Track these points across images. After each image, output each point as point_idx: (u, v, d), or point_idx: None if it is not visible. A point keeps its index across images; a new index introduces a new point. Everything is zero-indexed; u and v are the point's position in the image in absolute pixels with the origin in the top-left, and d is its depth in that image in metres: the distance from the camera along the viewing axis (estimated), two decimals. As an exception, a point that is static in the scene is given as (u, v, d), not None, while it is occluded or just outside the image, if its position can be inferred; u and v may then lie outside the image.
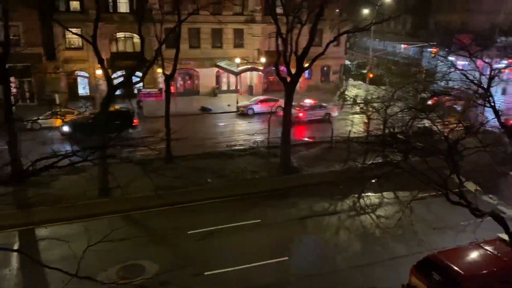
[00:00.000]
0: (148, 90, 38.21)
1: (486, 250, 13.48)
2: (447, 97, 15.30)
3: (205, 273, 15.27)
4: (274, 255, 16.29)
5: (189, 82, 44.06)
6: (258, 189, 22.11)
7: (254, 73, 43.41)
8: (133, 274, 14.94)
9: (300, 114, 33.97)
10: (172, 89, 32.19)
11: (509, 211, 19.03)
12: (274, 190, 22.17)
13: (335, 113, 35.34)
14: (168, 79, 25.35)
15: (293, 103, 24.86)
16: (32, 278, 14.79)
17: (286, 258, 16.21)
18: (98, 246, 9.10)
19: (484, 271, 12.57)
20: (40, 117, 26.69)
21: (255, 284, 14.77)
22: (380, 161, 14.19)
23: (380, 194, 21.31)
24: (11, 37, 23.79)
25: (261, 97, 38.86)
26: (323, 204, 20.66)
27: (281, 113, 31.22)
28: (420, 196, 17.21)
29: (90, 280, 8.77)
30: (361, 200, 20.19)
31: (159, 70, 33.17)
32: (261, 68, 41.68)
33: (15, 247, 16.34)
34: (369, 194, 20.85)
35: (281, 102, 30.93)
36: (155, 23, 26.65)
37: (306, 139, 30.32)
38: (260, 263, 15.86)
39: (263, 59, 41.83)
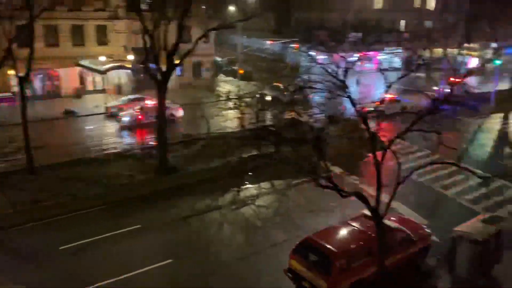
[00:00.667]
0: (-1, 94, 33.92)
1: (353, 226, 14.91)
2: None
3: (83, 290, 14.18)
4: (158, 259, 15.84)
5: (48, 83, 40.19)
6: (136, 193, 21.20)
7: (122, 71, 41.39)
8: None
9: (139, 117, 32.58)
10: (28, 92, 29.02)
11: (369, 188, 21.33)
12: (153, 192, 21.49)
13: (179, 113, 33.91)
14: (22, 81, 22.75)
15: (137, 106, 24.08)
16: None
17: (171, 260, 15.88)
18: None
19: (353, 246, 13.89)
20: None
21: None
22: (256, 153, 14.69)
23: (258, 185, 22.06)
24: None
25: (132, 97, 37.26)
26: (205, 201, 20.63)
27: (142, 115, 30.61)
28: (294, 183, 18.42)
29: None
30: (241, 193, 20.67)
31: (11, 72, 29.62)
32: (129, 66, 39.93)
33: None
34: (248, 186, 21.48)
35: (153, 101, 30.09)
36: (3, 19, 23.63)
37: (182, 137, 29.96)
38: (144, 269, 15.28)
39: (130, 57, 40.12)
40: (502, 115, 38.98)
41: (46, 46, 37.38)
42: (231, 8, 45.62)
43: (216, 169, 22.57)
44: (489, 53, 50.57)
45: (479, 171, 13.51)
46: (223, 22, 28.73)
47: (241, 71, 46.89)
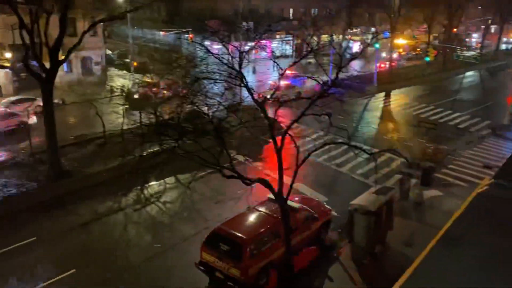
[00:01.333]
0: None
1: (260, 211, 15.35)
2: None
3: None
4: (59, 271, 14.76)
5: None
6: (28, 203, 19.39)
7: (0, 71, 37.27)
8: None
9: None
10: None
11: (272, 173, 22.07)
12: (47, 200, 19.87)
13: (32, 120, 28.78)
14: None
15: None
16: None
17: (73, 270, 14.89)
18: None
19: (261, 230, 14.30)
20: None
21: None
22: (157, 149, 14.29)
23: (162, 181, 21.61)
24: None
25: (13, 98, 33.79)
26: (106, 203, 19.70)
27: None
28: (199, 175, 18.35)
29: None
30: (145, 191, 20.10)
31: None
32: (8, 64, 36.05)
33: None
34: (152, 183, 20.94)
35: (39, 101, 27.65)
36: None
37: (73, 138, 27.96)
38: (45, 283, 14.15)
39: (8, 54, 36.24)
40: (384, 94, 42.88)
41: None
42: (119, -1, 43.38)
43: (115, 169, 21.58)
44: (369, 38, 54.92)
45: (367, 147, 14.68)
46: (111, 14, 27.19)
47: (135, 64, 45.08)
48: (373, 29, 54.59)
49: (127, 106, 28.91)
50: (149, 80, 33.93)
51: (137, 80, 34.11)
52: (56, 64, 21.00)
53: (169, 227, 17.84)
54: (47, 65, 20.95)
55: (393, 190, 17.29)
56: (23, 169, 22.54)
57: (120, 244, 16.65)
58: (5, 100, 33.58)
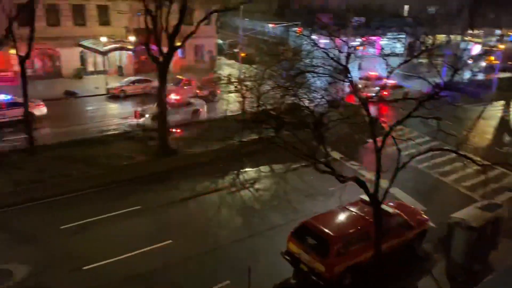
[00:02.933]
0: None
1: (351, 211, 15.05)
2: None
3: (84, 268, 14.39)
4: (158, 240, 16.04)
5: (49, 63, 40.01)
6: (137, 174, 21.31)
7: (124, 52, 41.18)
8: (-2, 281, 13.41)
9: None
10: (29, 72, 28.91)
11: (368, 174, 21.41)
12: (153, 174, 21.62)
13: (41, 111, 28.34)
14: (23, 61, 22.65)
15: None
16: None
17: (170, 241, 16.07)
18: None
19: (350, 230, 14.04)
20: None
21: (139, 272, 14.38)
22: (256, 137, 14.73)
23: (257, 168, 22.22)
24: None
25: (133, 78, 37.16)
26: (204, 183, 20.83)
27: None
28: (292, 167, 18.50)
29: None
30: (240, 176, 20.82)
31: (12, 51, 29.40)
32: (131, 47, 39.69)
33: None
34: (247, 169, 21.63)
35: (155, 83, 30.02)
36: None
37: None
38: (143, 250, 15.48)
39: (132, 38, 39.84)
40: (503, 102, 38.92)
41: (47, 26, 37.11)
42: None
43: (215, 152, 22.68)
44: (493, 40, 50.16)
45: (478, 158, 13.56)
46: (226, 4, 28.41)
47: (243, 54, 46.60)
48: (498, 32, 49.67)
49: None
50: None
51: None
52: (172, 49, 22.58)
53: (259, 213, 18.31)
54: (165, 50, 22.62)
55: (502, 208, 15.75)
56: (136, 143, 24.80)
57: (213, 223, 17.54)
58: (125, 79, 37.08)
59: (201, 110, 30.52)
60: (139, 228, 17.06)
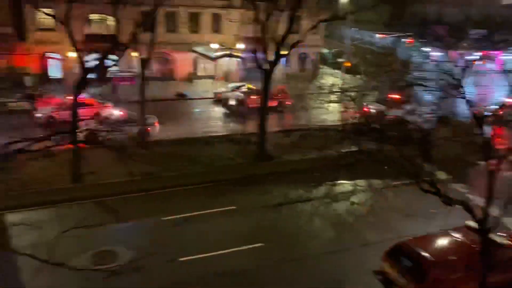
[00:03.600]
0: (122, 74, 37.42)
1: (455, 237, 13.92)
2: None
3: (180, 259, 15.26)
4: (249, 242, 16.42)
5: (165, 66, 43.36)
6: (234, 176, 22.13)
7: (232, 59, 43.08)
8: (106, 261, 14.80)
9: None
10: (147, 73, 31.54)
11: (477, 199, 19.65)
12: (250, 176, 22.24)
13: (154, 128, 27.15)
14: (144, 63, 24.88)
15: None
16: (2, 265, 14.44)
17: (262, 244, 16.35)
18: (70, 232, 8.95)
19: (451, 258, 12.99)
20: (10, 100, 25.84)
21: (230, 270, 14.86)
22: (355, 149, 14.38)
23: (354, 181, 21.56)
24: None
25: (238, 84, 38.64)
26: (298, 191, 20.80)
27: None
28: (392, 184, 17.66)
29: (62, 267, 8.64)
30: (335, 188, 20.44)
31: (135, 54, 32.51)
32: (239, 54, 41.38)
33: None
34: (343, 181, 21.13)
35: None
36: (131, 5, 25.96)
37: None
38: (235, 249, 15.95)
39: (240, 45, 41.51)
40: None
41: (166, 32, 40.31)
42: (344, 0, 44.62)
43: (312, 160, 22.58)
44: None
45: None
46: (335, 14, 28.28)
47: (348, 64, 45.86)
48: None
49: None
50: (252, 87, 35.46)
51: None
52: (278, 57, 23.08)
53: (352, 228, 17.80)
54: (270, 57, 23.19)
55: None
56: (236, 145, 25.76)
57: (304, 232, 17.47)
58: (231, 85, 38.72)
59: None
60: (232, 227, 17.64)
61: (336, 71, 49.48)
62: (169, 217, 17.94)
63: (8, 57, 33.58)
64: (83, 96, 29.14)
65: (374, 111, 25.08)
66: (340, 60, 50.58)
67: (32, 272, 10.47)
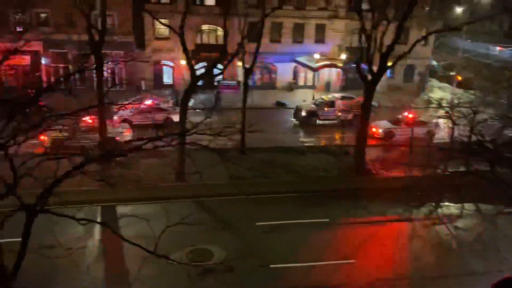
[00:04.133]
0: (226, 82, 39.15)
1: None
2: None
3: (271, 266, 15.44)
4: (341, 257, 16.05)
5: (266, 75, 44.41)
6: (328, 188, 21.84)
7: (333, 69, 42.69)
8: (201, 258, 15.52)
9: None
10: (249, 82, 32.69)
11: None
12: (345, 190, 21.77)
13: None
14: (247, 72, 25.78)
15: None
16: (111, 252, 15.92)
17: (354, 260, 15.87)
18: (174, 227, 9.56)
19: None
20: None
21: (319, 283, 14.66)
22: (464, 169, 13.36)
23: (460, 204, 19.99)
24: (107, 26, 25.49)
25: (338, 95, 38.11)
26: (396, 209, 19.87)
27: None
28: (505, 210, 16.05)
29: (165, 259, 9.25)
30: (439, 209, 19.12)
31: (239, 63, 33.78)
32: (341, 64, 40.87)
33: (99, 220, 17.66)
34: (448, 203, 19.68)
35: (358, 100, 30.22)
36: (239, 17, 27.14)
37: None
38: (326, 262, 15.71)
39: (343, 56, 40.98)
40: None
41: (270, 42, 41.34)
42: (458, 9, 41.84)
43: (413, 178, 21.33)
44: None
45: None
46: (447, 24, 26.61)
47: (459, 78, 42.72)
48: None
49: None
50: (326, 98, 34.05)
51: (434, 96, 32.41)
52: (383, 68, 22.35)
53: (456, 254, 16.50)
54: (375, 68, 22.54)
55: None
56: (331, 156, 25.42)
57: (401, 252, 16.62)
58: (331, 95, 38.33)
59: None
60: (324, 240, 17.37)
61: (446, 84, 46.39)
62: (262, 223, 18.25)
63: (128, 63, 37.12)
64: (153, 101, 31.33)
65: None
66: (450, 73, 47.33)
67: (139, 261, 11.37)
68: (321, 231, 18.03)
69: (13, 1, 31.80)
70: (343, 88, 43.13)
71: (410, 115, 28.36)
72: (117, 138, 24.84)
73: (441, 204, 18.95)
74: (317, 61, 40.02)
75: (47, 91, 10.16)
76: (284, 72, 43.57)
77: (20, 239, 8.89)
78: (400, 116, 30.18)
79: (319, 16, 42.02)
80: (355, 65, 24.24)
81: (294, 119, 33.34)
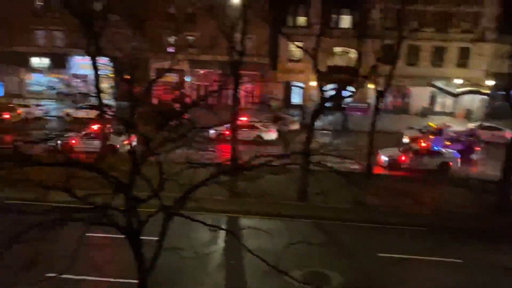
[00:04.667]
0: (356, 104, 38.52)
1: None
2: None
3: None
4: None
5: (399, 100, 42.57)
6: (464, 225, 19.81)
7: (477, 96, 39.07)
8: (317, 281, 15.26)
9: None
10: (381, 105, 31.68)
11: None
12: (483, 230, 19.52)
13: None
14: (379, 95, 25.04)
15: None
16: (234, 260, 16.62)
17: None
18: (296, 245, 9.66)
19: None
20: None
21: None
22: None
23: None
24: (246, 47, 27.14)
25: (481, 123, 34.68)
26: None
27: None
28: None
29: (286, 276, 9.35)
30: None
31: (371, 86, 32.97)
32: (487, 91, 37.22)
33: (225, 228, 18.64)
34: None
35: (507, 132, 27.14)
36: (375, 39, 26.59)
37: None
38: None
39: (489, 82, 37.28)
40: None
41: (405, 65, 39.65)
42: None
43: None
44: None
45: None
46: None
47: None
48: None
49: None
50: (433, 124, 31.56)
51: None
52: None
53: None
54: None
55: None
56: (469, 191, 23.12)
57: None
58: (473, 124, 35.04)
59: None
60: (453, 283, 15.72)
61: None
62: (385, 254, 17.28)
63: (261, 83, 38.99)
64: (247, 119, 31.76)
65: None
66: None
67: (259, 274, 11.69)
68: (452, 273, 16.32)
69: (170, 26, 35.99)
70: (487, 117, 39.16)
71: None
72: (117, 146, 27.17)
73: None
74: (459, 86, 37.09)
75: (192, 106, 11.20)
76: (418, 96, 41.33)
77: (157, 238, 9.89)
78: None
79: (463, 39, 39.06)
80: (504, 92, 21.84)
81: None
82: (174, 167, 10.38)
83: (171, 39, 39.88)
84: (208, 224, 9.78)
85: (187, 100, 35.54)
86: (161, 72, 12.73)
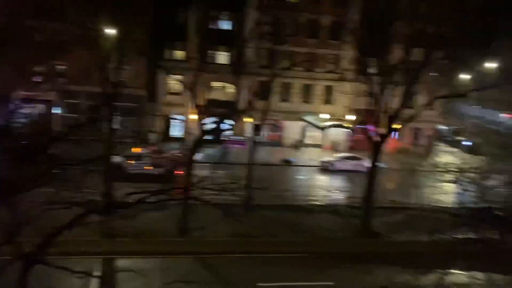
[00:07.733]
0: (235, 137, 39.55)
1: None
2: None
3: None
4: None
5: (273, 133, 44.84)
6: (334, 250, 21.27)
7: (341, 129, 43.10)
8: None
9: None
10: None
11: None
12: (351, 253, 21.15)
13: None
14: (256, 129, 26.09)
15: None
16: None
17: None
18: (172, 285, 9.26)
19: None
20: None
21: None
22: (473, 237, 12.98)
23: (469, 273, 19.22)
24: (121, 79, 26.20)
25: (345, 154, 38.21)
26: (404, 275, 19.09)
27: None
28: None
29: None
30: (447, 277, 18.37)
31: (248, 120, 34.34)
32: (349, 125, 41.33)
33: (96, 274, 17.15)
34: (457, 271, 18.95)
35: (365, 161, 30.21)
36: (250, 75, 27.94)
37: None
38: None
39: (351, 117, 41.52)
40: None
41: (278, 101, 42.14)
42: (465, 76, 42.74)
43: (422, 244, 20.79)
44: None
45: None
46: (454, 90, 27.13)
47: (468, 143, 42.87)
48: None
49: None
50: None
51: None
52: (390, 131, 22.51)
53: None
54: (381, 130, 22.71)
55: None
56: (338, 217, 24.97)
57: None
58: (338, 155, 38.46)
59: None
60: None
61: (454, 149, 46.46)
62: (265, 284, 17.61)
63: (138, 116, 37.84)
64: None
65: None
66: (459, 138, 47.59)
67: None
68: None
69: (36, 55, 33.10)
70: (349, 148, 43.29)
71: None
72: None
73: (449, 271, 18.27)
74: (325, 120, 40.54)
75: (56, 140, 10.28)
76: (291, 130, 44.02)
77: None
78: None
79: (328, 78, 43.10)
80: (361, 126, 24.49)
81: None
82: (36, 209, 9.30)
83: (38, 68, 36.70)
84: (75, 270, 8.87)
85: (52, 133, 32.65)
86: (23, 102, 11.51)
